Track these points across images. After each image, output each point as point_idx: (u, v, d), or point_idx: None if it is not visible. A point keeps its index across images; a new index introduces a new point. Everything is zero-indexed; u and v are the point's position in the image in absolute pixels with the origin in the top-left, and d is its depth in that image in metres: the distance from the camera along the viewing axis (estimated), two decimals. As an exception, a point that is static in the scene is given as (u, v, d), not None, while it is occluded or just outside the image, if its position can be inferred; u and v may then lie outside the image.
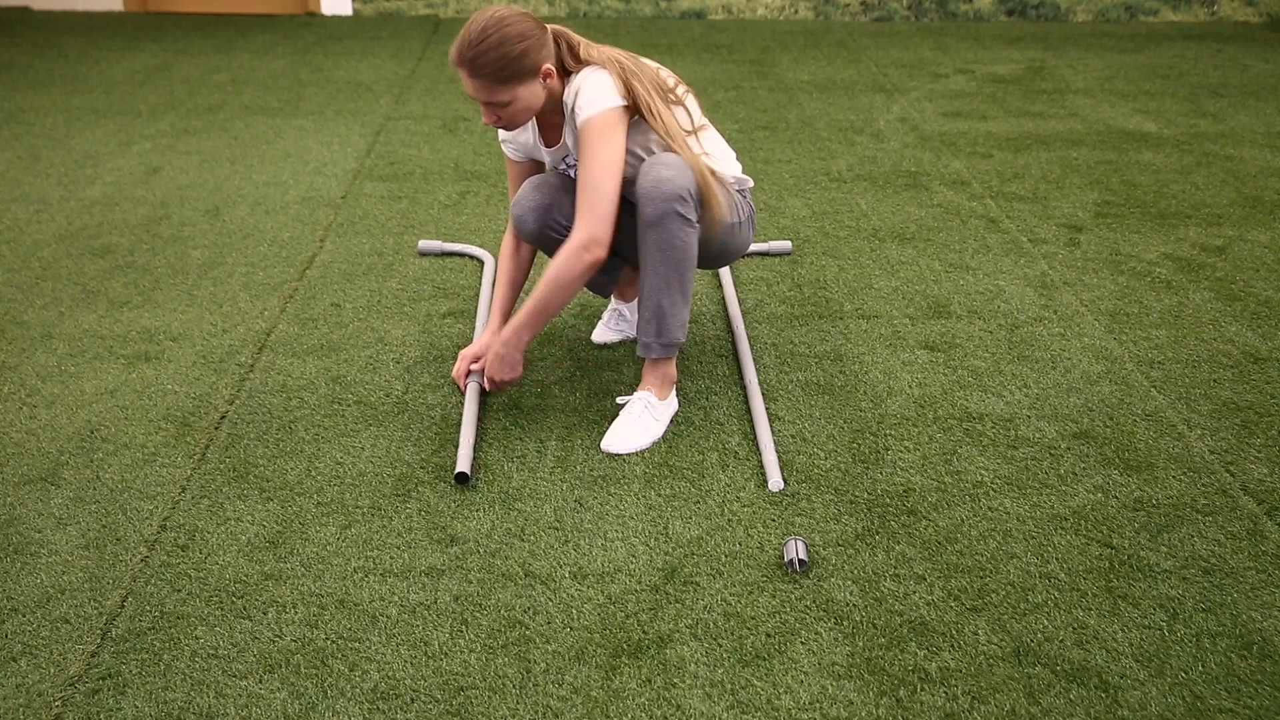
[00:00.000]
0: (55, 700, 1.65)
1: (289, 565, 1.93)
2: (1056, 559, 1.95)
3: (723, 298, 2.93)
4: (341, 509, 2.08)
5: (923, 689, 1.68)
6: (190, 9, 6.47)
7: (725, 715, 1.63)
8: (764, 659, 1.73)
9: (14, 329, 2.74)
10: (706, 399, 2.45)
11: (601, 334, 2.69)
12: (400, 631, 1.78)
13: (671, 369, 2.34)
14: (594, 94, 2.13)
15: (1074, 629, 1.79)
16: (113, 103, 4.65)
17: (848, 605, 1.84)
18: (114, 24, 6.14)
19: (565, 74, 2.21)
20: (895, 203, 3.61)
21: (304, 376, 2.53)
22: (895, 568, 1.93)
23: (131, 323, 2.78)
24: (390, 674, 1.70)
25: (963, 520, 2.06)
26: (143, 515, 2.05)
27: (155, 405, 2.41)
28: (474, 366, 2.41)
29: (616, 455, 2.24)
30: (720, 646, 1.76)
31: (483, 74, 2.10)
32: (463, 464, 2.14)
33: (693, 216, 2.18)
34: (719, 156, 2.32)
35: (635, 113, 2.18)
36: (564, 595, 1.86)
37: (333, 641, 1.76)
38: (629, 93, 2.15)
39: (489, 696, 1.66)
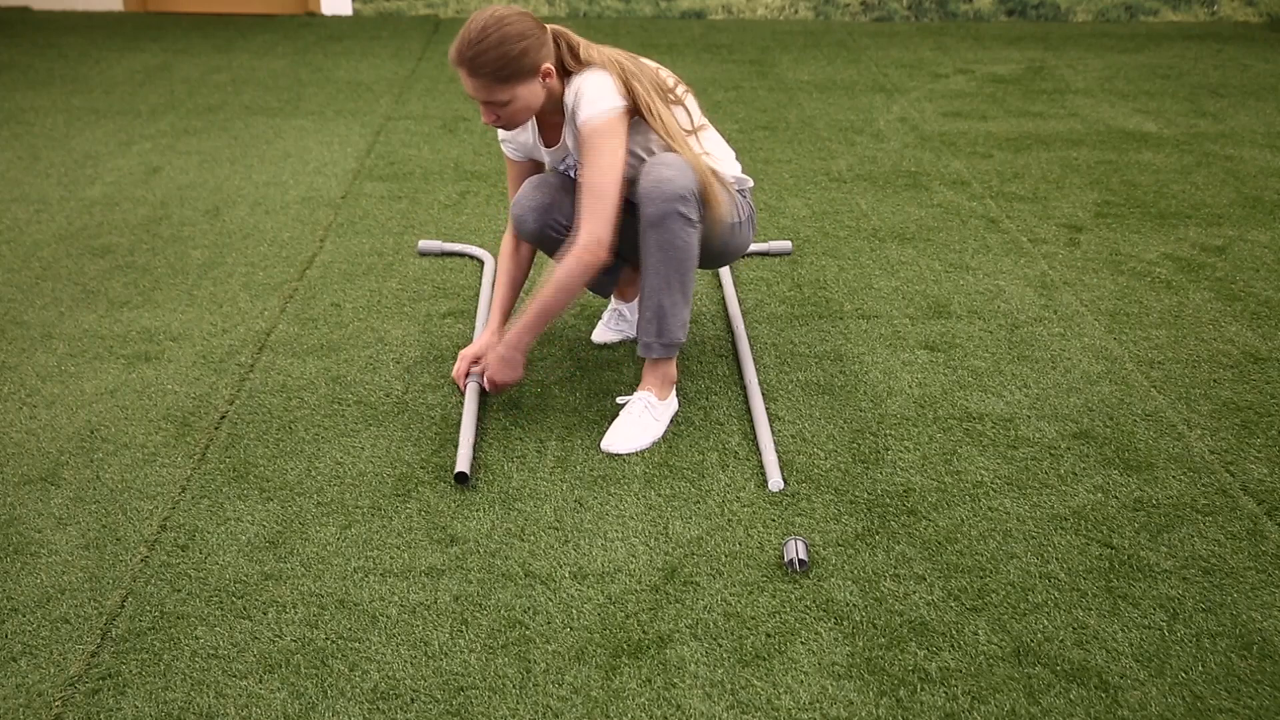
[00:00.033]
0: (55, 700, 1.65)
1: (289, 565, 1.93)
2: (1056, 559, 1.95)
3: (723, 298, 2.93)
4: (341, 509, 2.08)
5: (923, 689, 1.68)
6: (190, 9, 6.47)
7: (725, 715, 1.63)
8: (764, 659, 1.73)
9: (14, 329, 2.74)
10: (706, 399, 2.45)
11: (601, 334, 2.69)
12: (400, 631, 1.78)
13: (672, 369, 2.34)
14: (595, 96, 2.13)
15: (1074, 629, 1.79)
16: (113, 103, 4.65)
17: (848, 605, 1.84)
18: (114, 24, 6.14)
19: (565, 74, 2.21)
20: (895, 203, 3.61)
21: (304, 376, 2.53)
22: (895, 568, 1.93)
23: (131, 323, 2.78)
24: (390, 674, 1.70)
25: (963, 520, 2.06)
26: (143, 515, 2.05)
27: (155, 405, 2.41)
28: (474, 369, 2.41)
29: (616, 455, 2.24)
30: (720, 646, 1.76)
31: (482, 73, 2.10)
32: (462, 464, 2.14)
33: (694, 216, 2.18)
34: (719, 156, 2.32)
35: (635, 113, 2.18)
36: (564, 595, 1.86)
37: (333, 641, 1.76)
38: (629, 93, 2.15)
39: (489, 696, 1.66)
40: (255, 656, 1.73)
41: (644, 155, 2.24)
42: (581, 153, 2.16)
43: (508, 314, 2.46)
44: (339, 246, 3.23)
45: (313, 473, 2.18)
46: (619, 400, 2.35)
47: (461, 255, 3.19)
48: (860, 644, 1.76)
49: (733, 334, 2.72)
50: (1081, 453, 2.26)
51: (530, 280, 2.92)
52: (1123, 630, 1.79)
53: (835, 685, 1.68)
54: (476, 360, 2.41)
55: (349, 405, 2.42)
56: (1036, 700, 1.66)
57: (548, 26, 2.17)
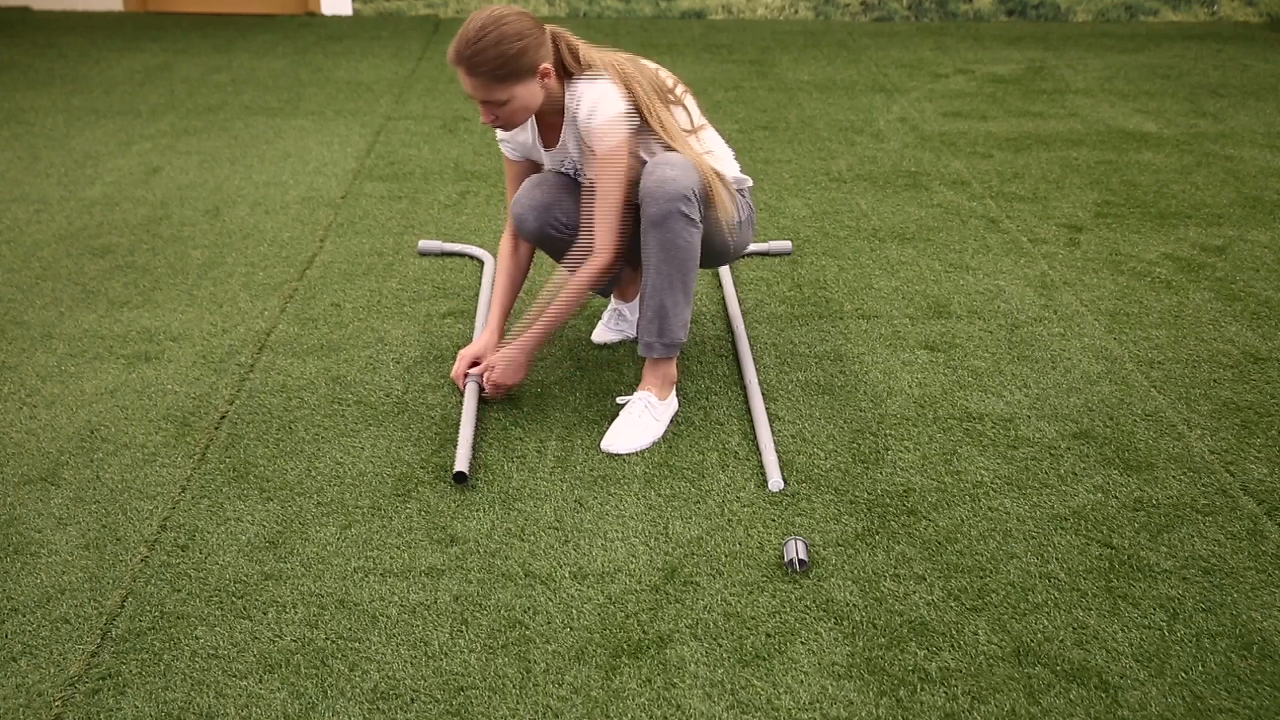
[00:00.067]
0: (55, 700, 1.65)
1: (289, 565, 1.93)
2: (1056, 559, 1.95)
3: (723, 298, 2.93)
4: (341, 509, 2.08)
5: (923, 689, 1.68)
6: (190, 9, 6.47)
7: (725, 715, 1.63)
8: (764, 659, 1.73)
9: (14, 329, 2.74)
10: (706, 399, 2.45)
11: (601, 334, 2.69)
12: (400, 631, 1.78)
13: (672, 369, 2.34)
14: (599, 101, 2.14)
15: (1074, 629, 1.79)
16: (113, 103, 4.65)
17: (848, 605, 1.84)
18: (114, 24, 6.14)
19: (565, 75, 2.21)
20: (895, 203, 3.61)
21: (304, 376, 2.53)
22: (895, 568, 1.93)
23: (131, 323, 2.78)
24: (390, 674, 1.70)
25: (963, 520, 2.06)
26: (143, 515, 2.05)
27: (155, 405, 2.41)
28: (472, 372, 2.40)
29: (616, 455, 2.24)
30: (720, 646, 1.75)
31: (480, 72, 2.10)
32: (461, 464, 2.14)
33: (696, 216, 2.18)
34: (718, 156, 2.32)
35: (635, 115, 2.19)
36: (564, 595, 1.86)
37: (333, 641, 1.76)
38: (630, 96, 2.16)
39: (489, 696, 1.66)
40: (255, 656, 1.73)
41: (645, 157, 2.24)
42: (587, 158, 2.17)
43: (507, 314, 2.46)
44: (339, 246, 3.23)
45: (313, 473, 2.18)
46: (619, 400, 2.35)
47: (461, 255, 3.19)
48: (860, 644, 1.76)
49: (733, 334, 2.72)
50: (1081, 453, 2.26)
51: (530, 280, 2.92)
52: (1123, 630, 1.79)
53: (835, 685, 1.68)
54: (476, 360, 2.41)
55: (349, 405, 2.42)
56: (1036, 700, 1.66)
57: (547, 27, 2.17)
